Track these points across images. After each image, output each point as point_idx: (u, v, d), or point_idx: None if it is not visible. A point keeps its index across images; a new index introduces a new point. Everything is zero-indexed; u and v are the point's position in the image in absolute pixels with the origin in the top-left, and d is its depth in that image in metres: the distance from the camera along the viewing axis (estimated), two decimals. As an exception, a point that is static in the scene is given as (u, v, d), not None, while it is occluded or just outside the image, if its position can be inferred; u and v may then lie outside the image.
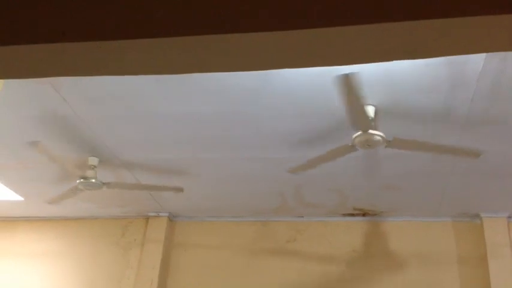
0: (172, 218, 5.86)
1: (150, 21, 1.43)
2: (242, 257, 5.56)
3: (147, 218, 5.85)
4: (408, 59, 1.59)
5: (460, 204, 5.08)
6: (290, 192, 4.92)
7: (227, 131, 3.84)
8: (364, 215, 5.44)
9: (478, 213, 5.20)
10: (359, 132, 3.28)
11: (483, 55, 2.83)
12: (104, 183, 4.35)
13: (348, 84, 2.76)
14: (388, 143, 3.34)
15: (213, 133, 3.89)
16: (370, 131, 3.25)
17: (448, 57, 2.85)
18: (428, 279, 5.13)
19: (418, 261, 5.22)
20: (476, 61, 2.90)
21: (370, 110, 3.34)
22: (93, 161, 4.32)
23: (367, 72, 3.03)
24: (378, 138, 3.26)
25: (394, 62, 2.90)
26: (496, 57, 2.83)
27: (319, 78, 3.11)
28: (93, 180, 4.30)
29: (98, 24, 1.46)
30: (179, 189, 4.62)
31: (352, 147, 3.40)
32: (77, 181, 4.28)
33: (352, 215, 5.46)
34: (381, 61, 1.62)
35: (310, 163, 3.73)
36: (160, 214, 5.80)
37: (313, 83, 3.17)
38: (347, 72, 2.69)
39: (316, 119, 3.57)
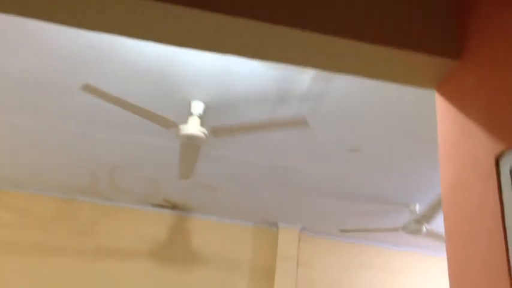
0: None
1: None
2: (37, 234, 5.15)
3: None
4: (249, 57, 1.64)
5: (263, 212, 5.44)
6: (102, 173, 4.73)
7: (48, 96, 3.53)
8: (173, 208, 5.49)
9: (276, 222, 5.64)
10: (182, 125, 3.30)
11: (310, 76, 3.08)
12: None
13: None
14: (212, 135, 3.38)
15: (31, 97, 3.54)
16: (192, 125, 3.29)
17: (279, 72, 3.05)
18: (221, 278, 5.37)
19: (216, 260, 5.44)
20: (303, 82, 3.14)
21: (199, 106, 3.39)
22: None
23: (201, 68, 3.08)
24: (201, 135, 3.31)
25: (233, 65, 3.02)
26: (321, 80, 3.11)
27: (162, 59, 3.06)
28: None
29: None
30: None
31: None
32: None
33: (162, 206, 5.46)
34: (225, 53, 1.65)
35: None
36: None
37: (154, 62, 3.10)
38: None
39: (149, 103, 3.50)
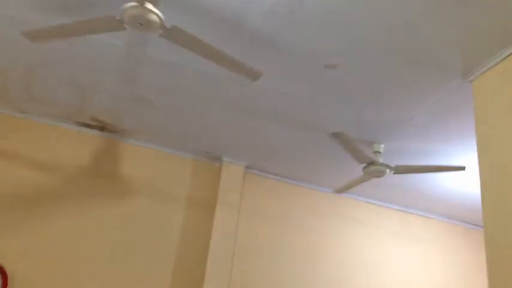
0: None
1: None
2: None
3: None
4: None
5: (205, 142, 4.76)
6: (15, 75, 3.78)
7: None
8: (102, 129, 4.65)
9: (220, 155, 5.00)
10: (132, 3, 2.49)
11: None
12: None
13: None
14: (165, 30, 2.63)
15: None
16: (147, 5, 2.49)
17: None
18: (154, 209, 4.75)
19: (149, 190, 4.77)
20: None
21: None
22: None
23: None
24: (155, 18, 2.52)
25: None
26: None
27: None
28: None
29: None
30: None
31: (119, 23, 2.58)
32: None
33: (88, 125, 4.61)
34: None
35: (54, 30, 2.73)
36: None
37: None
38: None
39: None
